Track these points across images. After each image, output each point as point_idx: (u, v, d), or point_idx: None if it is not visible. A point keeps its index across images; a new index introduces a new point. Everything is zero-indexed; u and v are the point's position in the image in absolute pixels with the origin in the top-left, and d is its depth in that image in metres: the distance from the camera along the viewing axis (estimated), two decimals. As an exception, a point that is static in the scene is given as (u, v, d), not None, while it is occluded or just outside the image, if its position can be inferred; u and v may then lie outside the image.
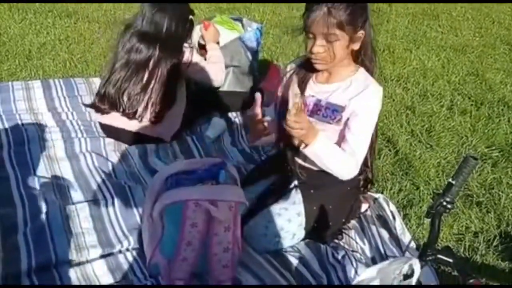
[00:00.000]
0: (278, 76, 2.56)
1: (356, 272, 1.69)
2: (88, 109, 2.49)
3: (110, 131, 2.29)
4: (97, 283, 1.55)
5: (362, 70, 1.66)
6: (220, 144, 2.43)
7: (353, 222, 1.97)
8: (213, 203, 1.44)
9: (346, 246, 1.84)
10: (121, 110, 2.21)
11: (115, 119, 2.24)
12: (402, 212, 2.03)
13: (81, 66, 3.11)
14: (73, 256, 1.62)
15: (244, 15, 3.94)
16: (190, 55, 2.24)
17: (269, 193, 1.84)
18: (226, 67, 2.54)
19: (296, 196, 1.78)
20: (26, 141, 2.20)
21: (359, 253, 1.82)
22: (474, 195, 2.20)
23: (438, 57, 3.80)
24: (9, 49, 3.24)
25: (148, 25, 2.16)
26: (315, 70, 1.66)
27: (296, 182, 1.82)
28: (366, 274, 1.30)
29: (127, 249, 1.69)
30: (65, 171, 2.05)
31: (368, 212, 2.00)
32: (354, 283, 1.30)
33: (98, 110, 2.26)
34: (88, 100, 2.53)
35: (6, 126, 2.30)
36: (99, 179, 2.01)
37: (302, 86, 1.67)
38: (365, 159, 1.71)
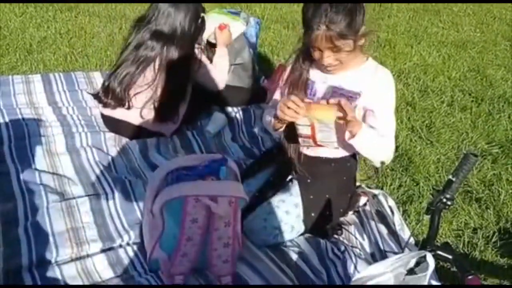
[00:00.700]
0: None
1: (355, 267, 1.70)
2: (89, 103, 2.49)
3: (111, 123, 2.29)
4: (98, 278, 1.56)
5: (371, 59, 1.71)
6: (221, 139, 2.43)
7: (353, 217, 1.97)
8: (213, 199, 1.44)
9: (346, 242, 1.85)
10: (126, 106, 2.21)
11: (117, 111, 2.25)
12: (401, 208, 2.04)
13: (82, 60, 3.10)
14: (74, 250, 1.63)
15: (245, 9, 3.93)
16: (200, 55, 2.25)
17: (268, 185, 1.85)
18: (230, 66, 2.55)
19: (293, 188, 1.80)
20: (27, 135, 2.20)
21: (358, 248, 1.83)
22: (474, 191, 2.21)
23: (439, 52, 3.80)
24: (9, 43, 3.24)
25: (161, 22, 2.14)
26: None
27: (293, 174, 1.84)
28: (370, 271, 1.30)
29: (128, 244, 1.70)
30: (66, 165, 2.05)
31: (368, 208, 2.01)
32: (354, 279, 1.30)
33: (101, 101, 2.27)
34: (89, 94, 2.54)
35: (7, 120, 2.30)
36: (99, 174, 2.02)
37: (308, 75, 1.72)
38: None
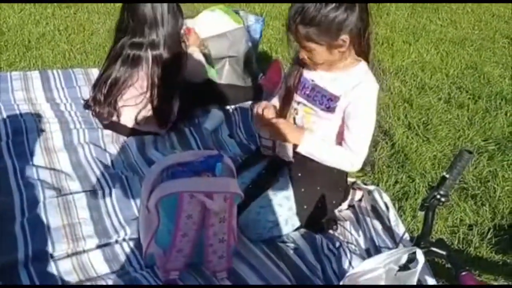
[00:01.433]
0: (280, 74, 2.55)
1: (350, 263, 1.71)
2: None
3: (107, 123, 2.30)
4: (94, 273, 1.57)
5: (363, 64, 1.67)
6: (218, 136, 2.43)
7: (348, 213, 1.99)
8: (208, 195, 1.45)
9: (341, 238, 1.86)
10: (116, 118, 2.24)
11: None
12: (397, 205, 2.05)
13: (81, 57, 3.11)
14: (70, 246, 1.63)
15: (244, 7, 3.93)
16: (185, 49, 2.25)
17: (260, 177, 1.88)
18: (222, 58, 2.55)
19: (285, 181, 1.82)
20: (25, 131, 2.20)
21: (354, 244, 1.84)
22: (470, 188, 2.22)
23: (437, 50, 3.80)
24: (8, 39, 3.24)
25: (146, 33, 2.11)
26: None
27: (285, 167, 1.86)
28: (363, 266, 1.31)
29: (124, 239, 1.71)
30: (63, 161, 2.06)
31: (363, 204, 2.02)
32: (347, 274, 1.31)
33: (93, 112, 2.30)
34: (86, 90, 2.54)
35: (4, 116, 2.31)
36: (96, 170, 2.02)
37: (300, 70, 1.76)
38: None
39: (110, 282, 1.52)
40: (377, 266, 1.27)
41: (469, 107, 2.95)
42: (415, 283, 1.19)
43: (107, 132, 2.28)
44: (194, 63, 2.37)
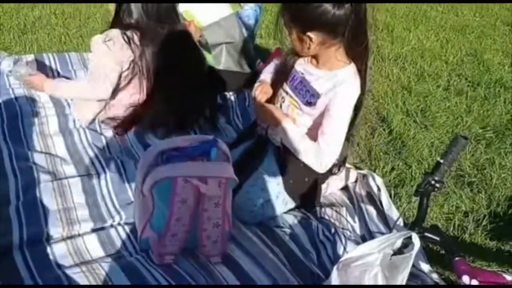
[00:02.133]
0: None
1: (345, 249, 1.71)
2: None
3: None
4: (89, 257, 1.57)
5: (351, 67, 1.67)
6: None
7: (344, 199, 1.99)
8: (202, 180, 1.44)
9: (337, 224, 1.86)
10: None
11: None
12: (393, 191, 2.05)
13: (77, 41, 3.09)
14: (65, 229, 1.63)
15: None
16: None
17: (247, 153, 1.92)
18: (219, 44, 2.53)
19: (271, 159, 1.87)
20: (20, 115, 2.19)
21: (349, 230, 1.84)
22: (466, 176, 2.22)
23: (437, 37, 3.78)
24: (3, 23, 3.21)
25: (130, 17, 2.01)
26: None
27: (270, 146, 1.90)
28: (357, 251, 1.31)
29: (119, 224, 1.71)
30: (58, 146, 2.05)
31: (357, 190, 2.02)
32: (342, 259, 1.31)
33: None
34: (82, 74, 2.52)
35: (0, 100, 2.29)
36: (92, 154, 2.02)
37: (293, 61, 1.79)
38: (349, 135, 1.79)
39: (105, 266, 1.52)
40: (371, 251, 1.27)
41: (468, 95, 2.94)
42: (410, 267, 1.19)
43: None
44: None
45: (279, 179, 1.82)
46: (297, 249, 1.71)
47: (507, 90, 3.04)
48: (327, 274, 1.48)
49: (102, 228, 1.68)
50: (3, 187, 1.77)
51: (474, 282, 1.29)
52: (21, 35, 3.08)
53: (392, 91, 2.89)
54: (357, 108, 1.73)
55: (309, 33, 1.56)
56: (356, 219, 1.90)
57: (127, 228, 1.70)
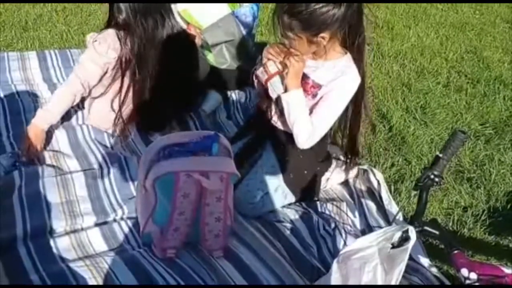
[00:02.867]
0: None
1: (345, 243, 1.74)
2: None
3: None
4: (92, 250, 1.58)
5: (348, 56, 1.71)
6: (216, 117, 2.44)
7: (344, 194, 2.00)
8: (204, 174, 1.46)
9: (337, 218, 1.88)
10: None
11: None
12: (393, 187, 2.07)
13: (78, 38, 3.09)
14: (68, 222, 1.65)
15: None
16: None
17: (246, 147, 1.94)
18: (218, 44, 2.54)
19: (270, 153, 1.89)
20: (22, 111, 2.21)
21: (349, 225, 1.86)
22: (466, 171, 2.23)
23: (437, 34, 3.79)
24: (5, 20, 3.22)
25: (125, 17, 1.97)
26: None
27: (268, 141, 1.92)
28: (356, 244, 1.33)
29: (122, 218, 1.72)
30: (62, 141, 2.06)
31: (358, 185, 2.04)
32: (341, 252, 1.33)
33: None
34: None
35: (2, 96, 2.31)
36: (95, 150, 2.03)
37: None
38: (351, 132, 1.84)
39: (108, 260, 1.53)
40: (370, 244, 1.29)
41: (467, 91, 2.96)
42: (406, 260, 1.20)
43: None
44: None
45: (279, 172, 1.84)
46: (298, 243, 1.73)
47: (507, 87, 3.06)
48: (328, 268, 1.50)
49: (105, 223, 1.70)
50: (7, 182, 1.78)
51: (473, 275, 1.31)
52: (23, 32, 3.09)
53: (392, 88, 2.90)
54: (358, 103, 1.75)
55: (321, 34, 1.59)
56: (357, 214, 1.92)
57: (129, 222, 1.72)
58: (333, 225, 1.82)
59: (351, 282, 1.26)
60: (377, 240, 1.29)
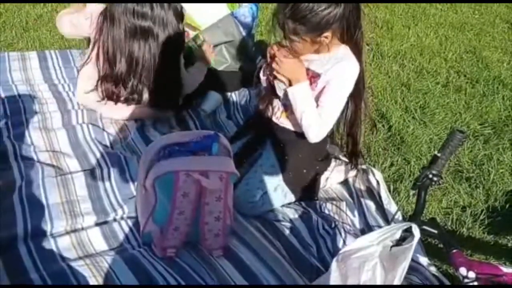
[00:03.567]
0: None
1: (344, 243, 1.74)
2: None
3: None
4: (92, 250, 1.59)
5: (345, 47, 1.73)
6: (216, 117, 2.45)
7: (344, 193, 2.01)
8: (204, 174, 1.47)
9: (337, 218, 1.88)
10: (120, 101, 2.19)
11: (113, 112, 2.24)
12: (392, 186, 2.07)
13: (79, 39, 3.10)
14: (68, 222, 1.66)
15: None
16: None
17: (246, 147, 1.95)
18: (218, 45, 2.55)
19: (269, 152, 1.90)
20: (23, 111, 2.21)
21: (349, 225, 1.87)
22: (464, 171, 2.24)
23: (436, 34, 3.79)
24: (5, 20, 3.22)
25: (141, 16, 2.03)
26: None
27: (268, 140, 1.93)
28: (356, 244, 1.33)
29: (122, 218, 1.73)
30: (62, 141, 2.07)
31: (357, 185, 2.04)
32: (341, 251, 1.34)
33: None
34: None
35: (3, 96, 2.31)
36: (95, 150, 2.04)
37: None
38: (352, 131, 1.84)
39: (108, 259, 1.54)
40: (370, 243, 1.30)
41: (466, 91, 2.96)
42: (410, 258, 1.21)
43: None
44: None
45: (278, 171, 1.85)
46: (298, 243, 1.74)
47: (506, 87, 3.06)
48: (327, 267, 1.50)
49: (105, 222, 1.71)
50: (8, 181, 1.79)
51: (471, 274, 1.32)
52: (24, 32, 3.09)
53: (391, 87, 2.91)
54: (358, 102, 1.76)
55: (325, 34, 1.62)
56: (356, 213, 1.92)
57: (129, 222, 1.72)
58: (332, 225, 1.83)
59: (350, 281, 1.27)
60: (378, 239, 1.29)
